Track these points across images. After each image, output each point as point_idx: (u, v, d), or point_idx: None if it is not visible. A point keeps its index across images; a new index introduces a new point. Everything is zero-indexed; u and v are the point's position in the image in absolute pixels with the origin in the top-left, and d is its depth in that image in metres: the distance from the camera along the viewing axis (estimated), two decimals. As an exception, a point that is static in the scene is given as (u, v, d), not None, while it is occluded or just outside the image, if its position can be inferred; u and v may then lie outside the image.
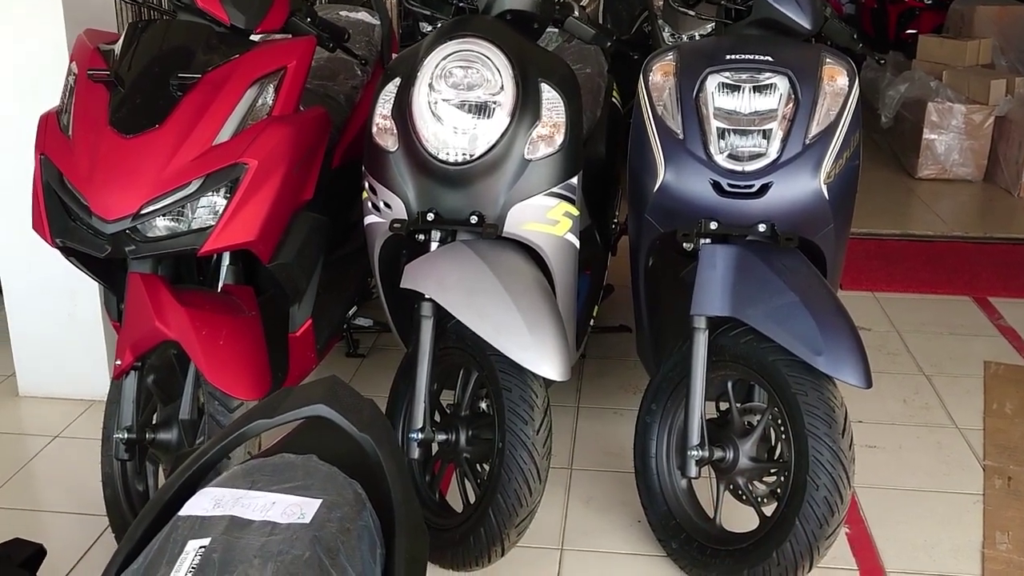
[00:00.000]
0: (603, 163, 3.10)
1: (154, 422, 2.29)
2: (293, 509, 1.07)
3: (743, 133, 2.13)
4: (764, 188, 2.10)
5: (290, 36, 2.47)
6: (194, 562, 0.99)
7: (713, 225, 2.13)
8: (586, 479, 2.68)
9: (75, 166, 2.11)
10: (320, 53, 2.71)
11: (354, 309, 3.05)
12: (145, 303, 2.13)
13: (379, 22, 3.19)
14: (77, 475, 2.68)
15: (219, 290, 2.36)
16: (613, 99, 3.25)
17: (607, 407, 3.08)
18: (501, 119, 2.17)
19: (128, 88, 2.15)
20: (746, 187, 2.11)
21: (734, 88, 2.15)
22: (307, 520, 1.05)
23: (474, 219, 2.20)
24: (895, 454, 2.80)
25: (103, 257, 2.10)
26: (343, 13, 3.21)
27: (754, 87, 2.14)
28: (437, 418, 2.36)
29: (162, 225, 2.10)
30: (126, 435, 2.20)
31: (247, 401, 2.10)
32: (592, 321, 2.88)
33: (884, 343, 3.55)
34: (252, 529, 1.04)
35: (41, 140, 2.21)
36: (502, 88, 2.17)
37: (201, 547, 1.01)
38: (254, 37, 2.38)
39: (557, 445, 2.72)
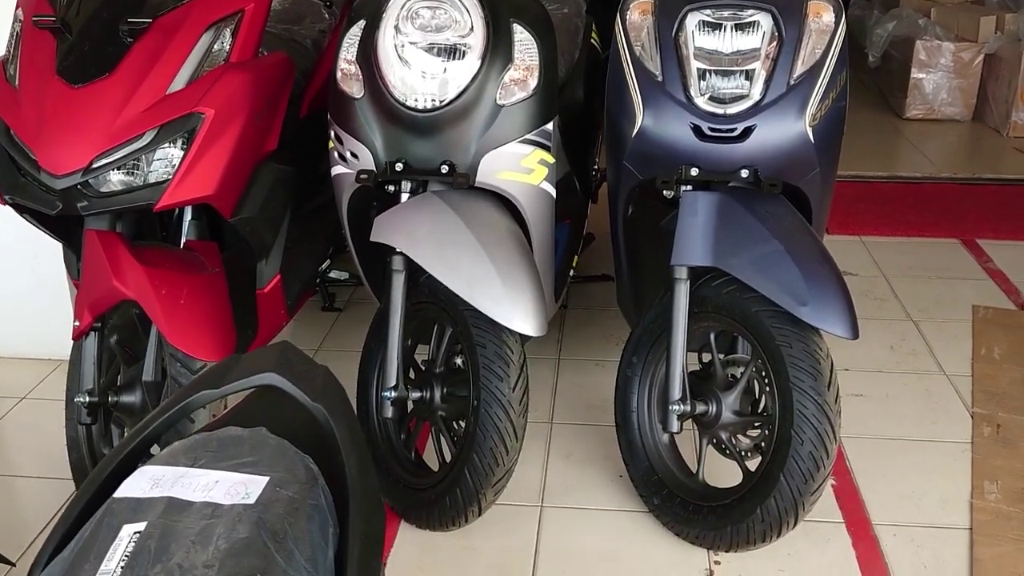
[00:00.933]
0: (582, 108, 2.99)
1: (118, 383, 2.21)
2: (238, 488, 0.99)
3: (725, 74, 2.03)
4: (747, 132, 2.01)
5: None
6: (127, 549, 0.92)
7: (694, 171, 2.04)
8: (567, 433, 2.62)
9: (22, 118, 2.00)
10: (282, -4, 2.59)
11: (327, 263, 2.96)
12: (102, 261, 2.04)
13: (347, -38, 3.05)
14: (45, 437, 2.60)
15: (182, 246, 2.27)
16: (592, 41, 3.13)
17: (589, 359, 3.01)
18: (471, 62, 2.06)
19: (76, 35, 2.03)
20: (728, 131, 2.01)
21: (715, 26, 2.04)
22: (252, 500, 0.97)
23: (445, 169, 2.11)
24: (882, 403, 2.75)
25: (55, 214, 2.00)
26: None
27: (736, 25, 2.03)
28: (412, 375, 2.29)
29: (116, 179, 2.00)
30: (87, 398, 2.12)
31: (211, 362, 2.02)
32: (572, 272, 2.80)
33: (871, 288, 3.49)
34: (192, 511, 0.96)
35: (-14, 92, 2.09)
36: (472, 30, 2.06)
37: (136, 532, 0.93)
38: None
39: (537, 399, 2.66)
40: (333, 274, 3.16)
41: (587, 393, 2.81)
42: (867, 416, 2.67)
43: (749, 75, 2.02)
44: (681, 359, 2.09)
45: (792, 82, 2.01)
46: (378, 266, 2.35)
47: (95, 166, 1.95)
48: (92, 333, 2.13)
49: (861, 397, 2.77)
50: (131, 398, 2.16)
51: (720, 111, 2.01)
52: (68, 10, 2.06)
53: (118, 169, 1.99)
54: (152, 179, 2.01)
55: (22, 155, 1.99)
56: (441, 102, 2.06)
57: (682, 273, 2.08)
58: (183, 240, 2.27)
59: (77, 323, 2.11)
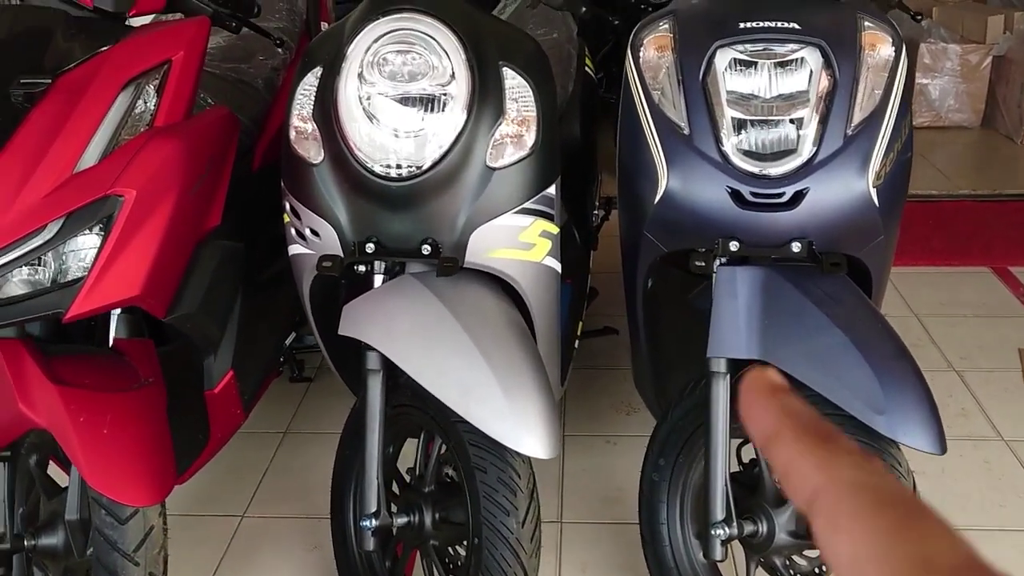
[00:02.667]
0: (579, 145, 2.62)
1: (39, 520, 1.80)
2: None
3: (766, 124, 1.66)
4: (797, 196, 1.64)
5: (182, 17, 1.95)
6: None
7: (734, 245, 1.67)
8: (580, 536, 2.24)
9: None
10: (224, 33, 2.19)
11: (292, 336, 2.56)
12: (6, 380, 1.63)
13: (302, -13, 2.66)
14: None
15: (110, 345, 1.87)
16: (586, 68, 2.76)
17: (597, 434, 2.63)
18: (455, 116, 1.68)
19: (-41, 101, 1.63)
20: (775, 196, 1.64)
21: (750, 65, 1.67)
22: None
23: (427, 249, 1.72)
24: (938, 480, 2.39)
25: (-62, 329, 1.60)
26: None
27: (777, 63, 1.66)
28: (395, 488, 1.91)
29: (17, 281, 1.60)
30: (-3, 544, 1.72)
31: (144, 508, 1.62)
32: (577, 342, 2.42)
33: (904, 331, 3.07)
34: None
35: None
36: (453, 76, 1.67)
37: None
38: (133, 22, 1.86)
39: (542, 491, 2.26)
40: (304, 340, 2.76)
41: (599, 482, 2.42)
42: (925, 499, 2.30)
43: (797, 125, 1.65)
44: (723, 472, 1.71)
45: (850, 132, 1.65)
46: (351, 353, 1.96)
47: (-15, 269, 1.55)
48: (1, 464, 1.73)
49: (915, 474, 2.39)
50: (52, 540, 1.75)
51: (763, 171, 1.64)
52: (-50, 70, 1.65)
53: (21, 266, 1.60)
54: (65, 278, 1.61)
55: None
56: (419, 168, 1.68)
57: (720, 366, 1.71)
58: (112, 338, 1.87)
59: (-22, 454, 1.71)
